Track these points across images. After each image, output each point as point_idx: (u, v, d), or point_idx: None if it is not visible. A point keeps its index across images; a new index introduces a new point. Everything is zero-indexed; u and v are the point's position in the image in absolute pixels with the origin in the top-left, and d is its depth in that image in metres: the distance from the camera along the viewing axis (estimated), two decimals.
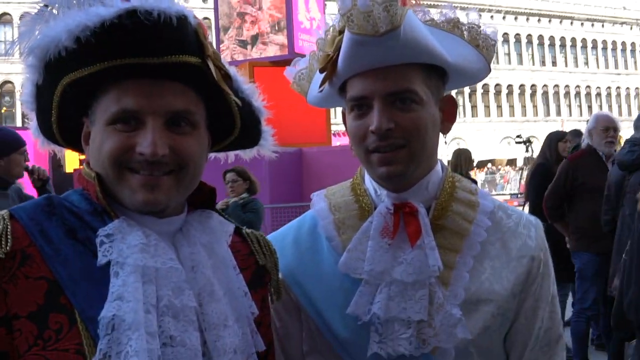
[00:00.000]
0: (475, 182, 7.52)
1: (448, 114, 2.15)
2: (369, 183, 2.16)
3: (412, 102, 1.99)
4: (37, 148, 1.95)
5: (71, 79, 1.69)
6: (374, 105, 1.98)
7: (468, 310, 2.04)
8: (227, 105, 1.84)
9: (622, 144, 7.46)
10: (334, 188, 2.28)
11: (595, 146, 7.93)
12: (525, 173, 32.69)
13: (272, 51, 15.12)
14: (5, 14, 59.79)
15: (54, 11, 1.69)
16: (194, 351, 1.67)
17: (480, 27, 2.14)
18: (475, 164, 71.13)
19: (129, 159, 1.68)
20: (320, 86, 2.06)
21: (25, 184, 7.07)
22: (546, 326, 2.17)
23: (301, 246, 2.21)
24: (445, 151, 77.62)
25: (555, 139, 9.33)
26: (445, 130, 2.15)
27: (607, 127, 7.88)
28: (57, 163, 7.27)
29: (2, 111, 59.09)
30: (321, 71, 2.05)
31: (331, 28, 2.09)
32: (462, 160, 10.41)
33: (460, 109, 78.85)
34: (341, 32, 1.99)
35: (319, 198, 2.25)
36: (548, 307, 2.18)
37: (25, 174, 6.57)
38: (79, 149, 1.88)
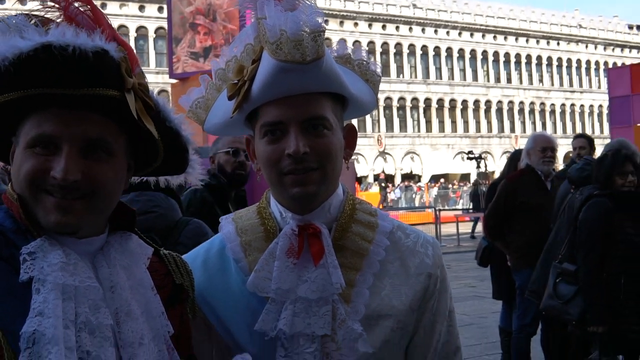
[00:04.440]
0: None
1: (349, 142, 2.27)
2: (275, 207, 2.26)
3: (325, 128, 2.11)
4: None
5: None
6: (290, 130, 2.08)
7: (369, 325, 2.14)
8: (150, 135, 1.94)
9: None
10: (241, 212, 2.38)
11: (533, 166, 8.10)
12: (478, 189, 33.37)
13: None
14: None
15: None
16: None
17: (368, 63, 2.29)
18: (428, 178, 71.29)
19: (44, 182, 1.77)
20: (233, 112, 2.12)
21: None
22: (444, 339, 2.30)
23: (210, 268, 2.30)
24: (398, 165, 76.53)
25: (515, 157, 9.39)
26: (347, 157, 2.27)
27: (544, 148, 8.07)
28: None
29: None
30: (230, 98, 2.14)
31: (233, 58, 2.20)
32: None
33: (415, 123, 79.24)
34: (255, 61, 2.09)
35: (226, 222, 2.34)
36: (446, 321, 2.30)
37: None
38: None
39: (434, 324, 2.28)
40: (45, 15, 1.85)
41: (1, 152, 1.96)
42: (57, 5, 1.86)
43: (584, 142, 9.55)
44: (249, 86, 2.10)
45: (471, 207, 34.88)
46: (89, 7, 1.89)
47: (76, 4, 1.87)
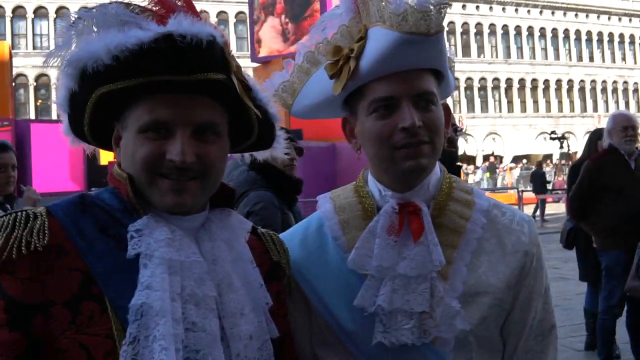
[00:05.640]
0: None
1: (445, 120, 2.25)
2: (373, 185, 2.28)
3: (432, 103, 2.13)
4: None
5: (106, 90, 1.85)
6: (403, 105, 2.09)
7: (467, 302, 2.15)
8: (247, 114, 2.01)
9: None
10: (338, 191, 2.41)
11: (616, 145, 7.93)
12: (538, 171, 32.86)
13: None
14: (41, 7, 60.44)
15: (94, 27, 1.85)
16: (214, 336, 1.83)
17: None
18: (510, 159, 70.31)
19: (160, 165, 1.85)
20: (339, 90, 2.15)
21: None
22: (540, 317, 2.29)
23: (309, 246, 2.34)
24: (480, 146, 75.31)
25: (595, 137, 9.24)
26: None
27: (625, 127, 7.89)
28: (92, 155, 7.27)
29: (38, 104, 59.51)
30: (332, 77, 2.17)
31: (324, 40, 2.24)
32: None
33: (497, 104, 78.09)
34: (361, 38, 2.13)
35: (324, 200, 2.39)
36: (541, 299, 2.30)
37: None
38: (106, 147, 2.05)
39: (530, 302, 2.28)
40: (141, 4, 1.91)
41: (97, 137, 2.03)
42: None
43: None
44: (356, 64, 2.12)
45: (531, 189, 33.89)
46: None
47: None
